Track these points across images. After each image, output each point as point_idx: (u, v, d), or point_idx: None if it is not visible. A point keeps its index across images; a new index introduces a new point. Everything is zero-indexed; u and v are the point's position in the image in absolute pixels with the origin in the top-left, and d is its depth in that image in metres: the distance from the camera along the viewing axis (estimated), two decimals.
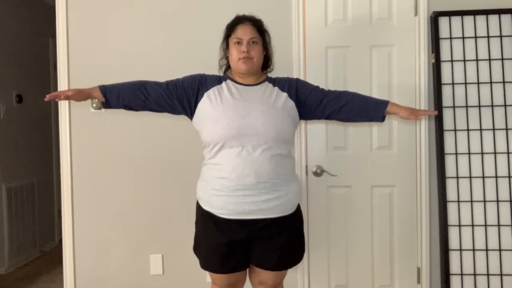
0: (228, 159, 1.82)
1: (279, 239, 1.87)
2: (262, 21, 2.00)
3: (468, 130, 2.59)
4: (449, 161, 2.58)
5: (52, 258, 4.16)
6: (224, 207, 1.85)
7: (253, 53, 1.91)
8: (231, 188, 1.82)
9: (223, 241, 1.88)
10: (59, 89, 2.76)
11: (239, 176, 1.80)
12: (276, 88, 1.94)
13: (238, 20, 1.96)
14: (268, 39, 2.02)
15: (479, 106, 2.58)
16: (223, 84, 1.96)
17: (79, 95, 1.94)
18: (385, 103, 1.97)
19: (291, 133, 1.92)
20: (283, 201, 1.87)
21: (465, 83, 2.59)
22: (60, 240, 4.25)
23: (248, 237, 1.88)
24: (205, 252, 1.96)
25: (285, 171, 1.88)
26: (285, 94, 1.92)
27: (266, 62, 2.03)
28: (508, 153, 2.57)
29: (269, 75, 2.08)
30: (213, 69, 2.69)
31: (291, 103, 1.92)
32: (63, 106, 2.77)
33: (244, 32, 1.91)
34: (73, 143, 2.76)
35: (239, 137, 1.80)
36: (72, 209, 2.77)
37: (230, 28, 1.97)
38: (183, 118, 2.75)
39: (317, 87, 2.03)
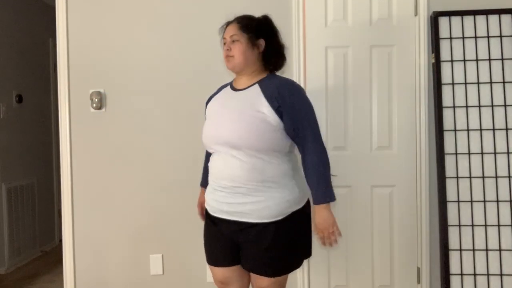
0: (212, 162, 1.95)
1: (261, 245, 1.86)
2: (251, 18, 1.94)
3: (468, 130, 2.59)
4: (449, 161, 2.58)
5: (52, 258, 4.16)
6: (209, 203, 1.98)
7: (233, 51, 1.90)
8: (214, 187, 1.94)
9: (210, 232, 2.00)
10: (59, 89, 2.76)
11: (218, 178, 1.91)
12: (261, 94, 1.85)
13: (228, 22, 1.98)
14: (262, 35, 1.91)
15: (479, 106, 2.59)
16: (222, 90, 2.04)
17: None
18: (317, 201, 1.85)
19: (267, 141, 1.81)
20: (261, 207, 1.83)
21: (465, 83, 2.60)
22: (60, 240, 4.26)
23: (232, 236, 1.92)
24: (204, 244, 2.06)
25: (263, 177, 1.82)
26: (265, 102, 1.83)
27: (268, 59, 1.93)
28: (508, 153, 2.58)
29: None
30: (213, 69, 2.70)
31: (269, 110, 1.81)
32: (63, 106, 2.77)
33: (227, 32, 1.95)
34: (73, 143, 2.77)
35: (214, 145, 1.90)
36: (72, 209, 2.77)
37: (223, 31, 2.00)
38: (183, 118, 2.76)
39: (302, 123, 1.84)
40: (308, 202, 1.95)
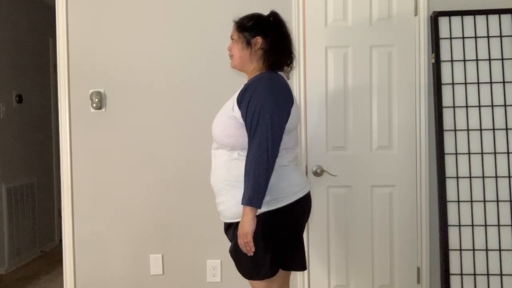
0: None
1: (231, 246, 1.86)
2: (249, 17, 1.92)
3: (468, 130, 2.59)
4: (449, 161, 2.58)
5: (52, 258, 4.16)
6: None
7: (232, 50, 1.95)
8: None
9: None
10: (59, 89, 2.77)
11: None
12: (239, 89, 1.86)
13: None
14: (259, 33, 1.88)
15: (479, 106, 2.59)
16: None
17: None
18: (242, 201, 1.72)
19: (232, 137, 1.79)
20: (225, 207, 1.82)
21: (465, 83, 2.60)
22: (60, 240, 4.25)
23: None
24: None
25: (229, 176, 1.80)
26: (234, 98, 1.83)
27: (267, 57, 1.88)
28: (508, 153, 2.57)
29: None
30: (213, 69, 2.70)
31: (235, 106, 1.80)
32: (63, 106, 2.77)
33: (231, 32, 1.98)
34: (73, 143, 2.77)
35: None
36: (72, 209, 2.77)
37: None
38: (183, 118, 2.76)
39: (252, 120, 1.74)
40: (279, 210, 1.77)
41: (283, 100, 1.79)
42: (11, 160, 3.93)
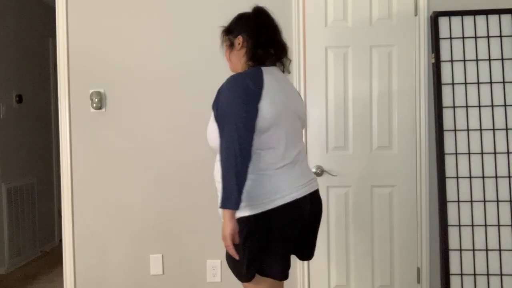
0: None
1: None
2: (234, 18, 1.90)
3: (468, 130, 2.59)
4: (449, 161, 2.58)
5: (52, 258, 4.17)
6: None
7: (226, 56, 1.95)
8: None
9: None
10: (59, 89, 2.77)
11: None
12: None
13: None
14: (241, 32, 1.84)
15: (479, 106, 2.59)
16: None
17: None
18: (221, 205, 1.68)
19: (216, 139, 1.74)
20: (219, 206, 1.75)
21: (465, 83, 2.60)
22: (60, 240, 4.26)
23: None
24: None
25: (218, 177, 1.75)
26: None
27: (251, 54, 1.83)
28: (508, 153, 2.57)
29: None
30: (213, 69, 2.70)
31: (212, 110, 1.79)
32: (63, 106, 2.77)
33: None
34: (73, 143, 2.77)
35: None
36: (72, 209, 2.77)
37: None
38: (183, 118, 2.76)
39: (219, 120, 1.72)
40: (256, 216, 1.69)
41: (248, 97, 1.68)
42: (11, 160, 3.93)
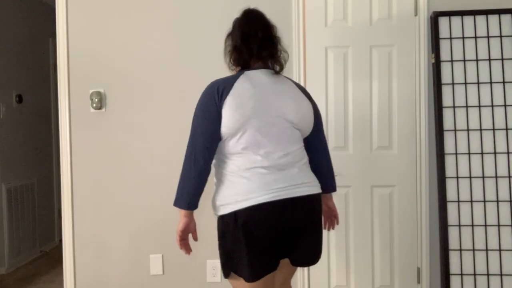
0: None
1: None
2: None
3: (468, 130, 2.59)
4: (449, 161, 2.59)
5: (52, 258, 4.16)
6: None
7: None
8: None
9: None
10: (59, 89, 2.77)
11: None
12: None
13: None
14: (226, 37, 1.87)
15: (479, 106, 2.59)
16: None
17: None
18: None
19: None
20: None
21: (465, 83, 2.60)
22: (60, 240, 4.26)
23: None
24: None
25: (214, 178, 1.85)
26: None
27: (228, 58, 1.86)
28: (508, 153, 2.58)
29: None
30: (213, 69, 2.70)
31: None
32: (63, 106, 2.77)
33: None
34: (73, 143, 2.77)
35: None
36: (72, 209, 2.77)
37: None
38: (182, 118, 2.76)
39: None
40: (226, 216, 1.72)
41: (209, 107, 1.74)
42: (11, 160, 3.93)
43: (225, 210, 1.73)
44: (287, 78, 1.89)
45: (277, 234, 1.73)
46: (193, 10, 2.74)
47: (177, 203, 1.77)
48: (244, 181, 1.71)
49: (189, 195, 1.74)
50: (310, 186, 1.80)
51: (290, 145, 1.78)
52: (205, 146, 1.72)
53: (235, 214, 1.70)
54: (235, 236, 1.70)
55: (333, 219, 2.11)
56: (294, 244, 1.80)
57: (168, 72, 2.76)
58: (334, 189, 2.03)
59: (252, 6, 1.89)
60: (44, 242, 4.41)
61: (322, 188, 1.89)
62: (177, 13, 2.75)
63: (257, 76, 1.79)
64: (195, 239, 1.86)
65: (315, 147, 1.94)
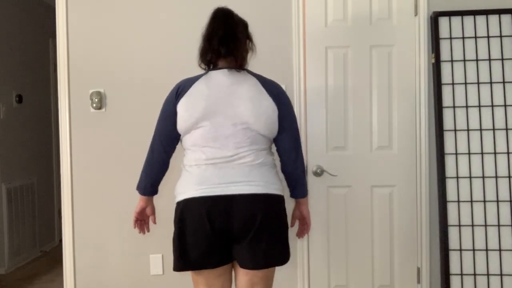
0: None
1: None
2: None
3: (468, 130, 2.59)
4: (449, 161, 2.58)
5: (52, 258, 4.17)
6: None
7: None
8: None
9: None
10: (59, 89, 2.76)
11: None
12: None
13: None
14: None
15: (479, 106, 2.59)
16: None
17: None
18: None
19: None
20: None
21: (465, 83, 2.60)
22: (60, 240, 4.26)
23: None
24: None
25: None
26: None
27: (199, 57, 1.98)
28: (508, 153, 2.58)
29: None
30: None
31: None
32: (63, 106, 2.77)
33: None
34: (73, 143, 2.77)
35: None
36: (72, 209, 2.77)
37: None
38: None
39: None
40: (177, 204, 1.87)
41: (167, 106, 1.90)
42: (11, 160, 3.93)
43: (176, 199, 1.89)
44: (252, 76, 1.87)
45: (212, 230, 1.76)
46: (194, 11, 2.74)
47: (137, 188, 2.04)
48: (187, 175, 1.86)
49: (145, 183, 2.00)
50: (253, 185, 1.77)
51: (240, 145, 1.80)
52: (160, 141, 1.93)
53: (177, 204, 1.87)
54: (175, 224, 1.86)
55: (303, 227, 2.08)
56: (238, 244, 1.79)
57: (168, 72, 2.76)
58: (299, 195, 1.98)
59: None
60: (44, 242, 4.41)
61: (290, 192, 1.99)
62: (177, 13, 2.75)
63: (216, 77, 1.85)
64: (154, 221, 2.14)
65: (283, 147, 1.90)
